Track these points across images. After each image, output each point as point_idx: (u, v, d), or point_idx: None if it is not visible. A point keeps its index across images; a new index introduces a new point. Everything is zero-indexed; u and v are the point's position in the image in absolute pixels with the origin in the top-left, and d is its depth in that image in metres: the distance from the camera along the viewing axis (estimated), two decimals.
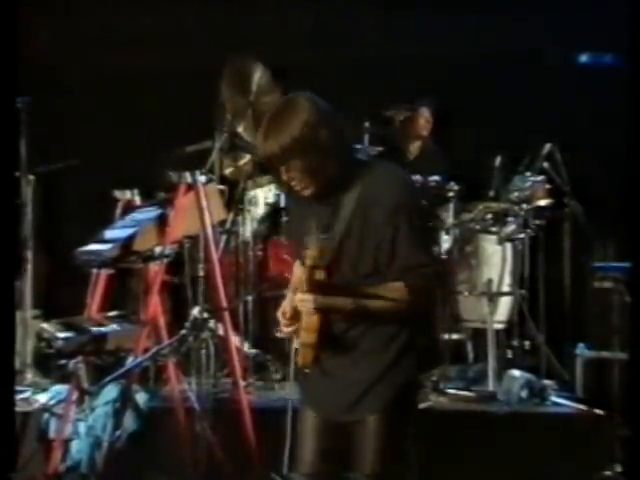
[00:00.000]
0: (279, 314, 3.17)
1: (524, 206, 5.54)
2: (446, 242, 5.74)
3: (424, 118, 6.46)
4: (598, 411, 4.83)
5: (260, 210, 5.94)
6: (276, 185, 3.14)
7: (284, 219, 5.69)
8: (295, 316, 3.09)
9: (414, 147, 6.55)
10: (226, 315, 4.81)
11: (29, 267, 5.76)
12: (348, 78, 6.78)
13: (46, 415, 4.90)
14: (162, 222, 4.72)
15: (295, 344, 3.16)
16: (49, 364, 5.19)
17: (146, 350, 4.67)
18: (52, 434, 4.84)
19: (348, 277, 3.02)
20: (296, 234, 3.20)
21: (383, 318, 3.02)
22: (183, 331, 5.32)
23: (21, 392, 5.19)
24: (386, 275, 3.00)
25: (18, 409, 4.93)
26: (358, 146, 5.87)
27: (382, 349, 3.06)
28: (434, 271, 3.04)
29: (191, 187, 4.76)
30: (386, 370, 3.05)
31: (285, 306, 3.16)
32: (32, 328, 5.54)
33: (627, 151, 3.73)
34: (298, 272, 3.15)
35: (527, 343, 5.69)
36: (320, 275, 2.98)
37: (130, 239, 4.62)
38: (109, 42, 6.89)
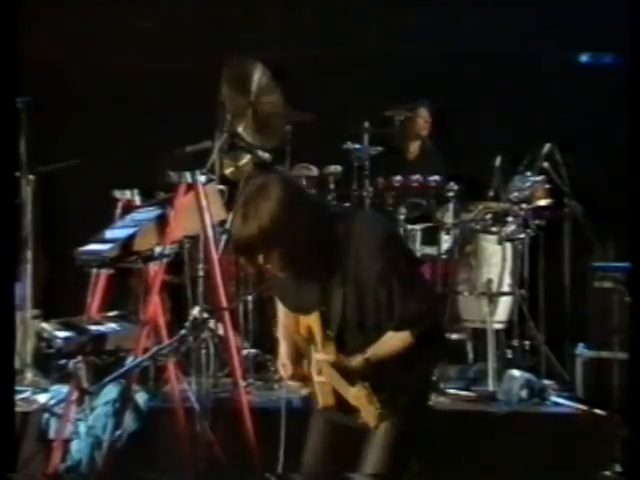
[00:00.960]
0: (280, 365, 3.23)
1: (524, 206, 5.54)
2: (446, 242, 5.76)
3: (423, 118, 6.47)
4: (598, 411, 4.83)
5: None
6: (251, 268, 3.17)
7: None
8: (296, 360, 3.18)
9: (414, 147, 6.56)
10: (226, 315, 4.80)
11: (29, 267, 5.76)
12: (348, 78, 6.79)
13: (46, 415, 4.91)
14: (162, 222, 4.72)
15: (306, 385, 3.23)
16: (49, 364, 5.20)
17: (146, 350, 4.66)
18: (52, 434, 4.84)
19: (356, 338, 3.06)
20: (290, 298, 3.21)
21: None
22: (183, 331, 5.30)
23: (21, 392, 5.19)
24: (388, 326, 3.03)
25: (18, 409, 4.93)
26: (358, 146, 5.88)
27: (394, 360, 3.08)
28: (430, 315, 3.10)
29: (191, 187, 4.76)
30: (398, 376, 3.09)
31: (283, 358, 3.22)
32: (32, 328, 5.55)
33: (627, 151, 3.73)
34: (301, 321, 3.18)
35: (527, 343, 5.70)
36: (330, 346, 3.06)
37: (130, 239, 4.62)
38: (109, 42, 6.90)
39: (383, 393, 3.02)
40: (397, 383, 3.08)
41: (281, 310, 3.31)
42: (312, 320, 3.10)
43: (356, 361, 3.03)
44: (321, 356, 3.06)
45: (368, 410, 2.92)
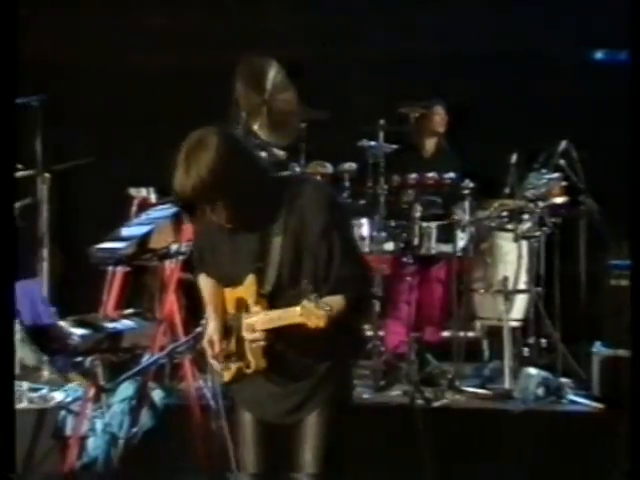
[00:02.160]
0: (205, 343, 3.19)
1: (540, 203, 5.55)
2: (462, 240, 5.76)
3: (439, 115, 6.46)
4: (614, 409, 4.83)
5: None
6: (195, 222, 3.15)
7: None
8: (224, 339, 3.15)
9: (429, 145, 6.55)
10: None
11: (45, 265, 5.81)
12: (363, 75, 6.80)
13: (62, 412, 4.94)
14: (177, 220, 4.73)
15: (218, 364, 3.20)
16: (65, 362, 5.24)
17: (162, 347, 4.69)
18: (68, 431, 4.87)
19: (289, 299, 3.04)
20: (222, 263, 3.19)
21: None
22: (199, 328, 5.35)
23: (37, 390, 5.23)
24: (326, 287, 3.03)
25: (34, 406, 4.98)
26: (373, 144, 5.90)
27: (321, 351, 3.10)
28: (367, 279, 3.17)
29: None
30: (324, 374, 3.11)
31: (212, 334, 3.18)
32: None
33: (627, 152, 3.74)
34: (229, 297, 3.17)
35: (543, 341, 5.69)
36: (263, 304, 3.06)
37: (146, 237, 4.65)
38: (127, 39, 6.92)
39: (307, 383, 3.09)
40: (321, 372, 3.10)
41: (208, 291, 3.27)
42: (245, 284, 3.07)
43: (288, 323, 2.99)
44: (255, 311, 3.04)
45: (318, 315, 2.89)
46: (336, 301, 2.98)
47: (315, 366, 3.12)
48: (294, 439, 3.15)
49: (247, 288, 3.10)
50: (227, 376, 3.21)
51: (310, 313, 2.89)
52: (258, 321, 3.05)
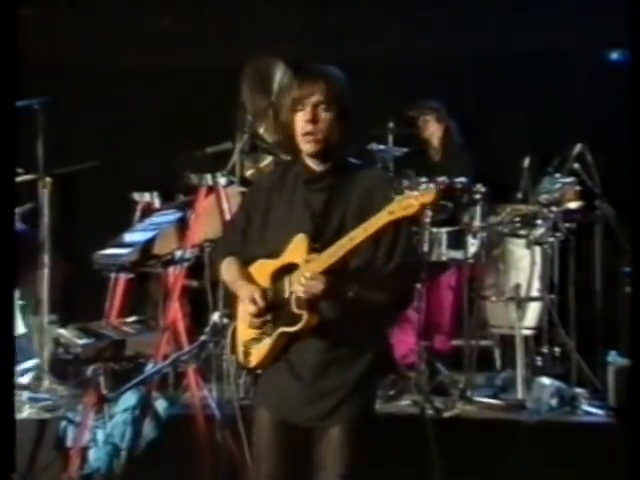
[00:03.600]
0: (248, 301, 3.09)
1: (554, 209, 5.52)
2: (473, 246, 5.73)
3: (427, 122, 6.44)
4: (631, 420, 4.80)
5: None
6: (258, 180, 3.15)
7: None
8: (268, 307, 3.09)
9: (435, 148, 6.54)
10: None
11: (46, 271, 5.79)
12: (372, 77, 6.78)
13: (63, 422, 4.93)
14: (182, 225, 4.75)
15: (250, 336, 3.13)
16: (67, 370, 5.23)
17: (166, 356, 4.69)
18: (69, 442, 4.86)
19: (340, 270, 3.03)
20: (274, 226, 3.17)
21: (372, 313, 3.08)
22: (203, 337, 5.35)
23: (39, 400, 5.21)
24: (378, 269, 3.05)
25: (35, 417, 4.97)
26: (382, 147, 5.88)
27: (355, 357, 3.10)
28: (420, 270, 3.21)
29: (212, 189, 4.79)
30: (359, 379, 3.10)
31: (254, 293, 3.09)
32: (49, 334, 5.58)
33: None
34: (263, 272, 3.13)
35: (557, 350, 5.66)
36: (318, 259, 3.00)
37: (149, 243, 4.66)
38: (128, 42, 6.93)
39: (342, 388, 3.07)
40: (357, 378, 3.09)
41: (235, 272, 3.21)
42: (294, 243, 3.04)
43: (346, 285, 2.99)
44: (309, 267, 2.98)
45: (407, 202, 2.89)
46: (391, 284, 3.03)
47: (352, 370, 3.09)
48: (317, 446, 3.12)
49: (296, 247, 3.04)
50: (254, 360, 3.12)
51: (397, 205, 2.89)
52: (319, 260, 2.98)
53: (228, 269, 3.26)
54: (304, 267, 3.01)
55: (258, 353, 3.13)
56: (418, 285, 3.36)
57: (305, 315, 3.02)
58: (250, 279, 3.17)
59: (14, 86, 3.89)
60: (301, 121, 3.08)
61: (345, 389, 3.09)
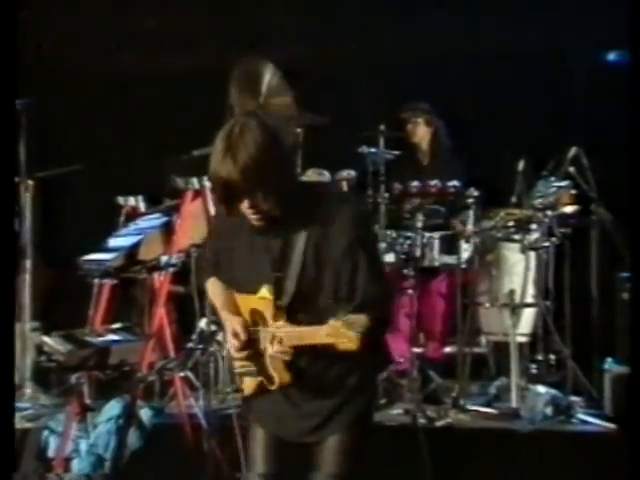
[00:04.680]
0: (230, 334, 3.15)
1: (548, 213, 5.52)
2: (466, 251, 5.73)
3: (415, 125, 6.44)
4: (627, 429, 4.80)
5: None
6: (219, 217, 3.14)
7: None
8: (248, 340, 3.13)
9: (425, 152, 6.53)
10: None
11: (28, 277, 5.76)
12: (363, 79, 6.79)
13: (45, 432, 4.90)
14: (168, 230, 4.73)
15: (240, 369, 3.19)
16: (49, 379, 5.20)
17: (151, 364, 4.67)
18: (52, 452, 4.83)
19: (308, 313, 3.04)
20: (239, 268, 3.18)
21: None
22: (190, 344, 5.33)
23: (20, 409, 5.18)
24: (345, 308, 3.00)
25: (17, 426, 4.93)
26: (373, 150, 5.88)
27: (345, 375, 3.11)
28: (389, 303, 3.20)
29: (198, 193, 4.77)
30: (348, 395, 3.12)
31: (235, 327, 3.14)
32: (31, 341, 5.55)
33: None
34: (242, 305, 3.16)
35: (552, 357, 5.67)
36: (283, 317, 3.05)
37: (134, 248, 4.64)
38: (113, 43, 6.91)
39: (330, 402, 3.09)
40: (345, 391, 3.10)
41: (220, 296, 3.25)
42: (260, 295, 3.07)
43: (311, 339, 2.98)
44: (279, 324, 3.02)
45: (348, 337, 2.86)
46: (361, 321, 2.95)
47: (339, 384, 3.11)
48: (312, 452, 3.15)
49: (262, 299, 3.08)
50: (247, 390, 3.19)
51: (338, 334, 2.87)
52: (285, 336, 3.02)
53: (213, 292, 3.30)
54: (274, 331, 3.04)
55: (247, 386, 3.20)
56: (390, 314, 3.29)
57: (276, 378, 3.09)
58: (233, 308, 3.20)
59: (14, 85, 3.88)
60: (242, 206, 3.01)
61: (332, 405, 3.11)
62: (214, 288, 3.29)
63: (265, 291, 3.06)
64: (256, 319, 3.13)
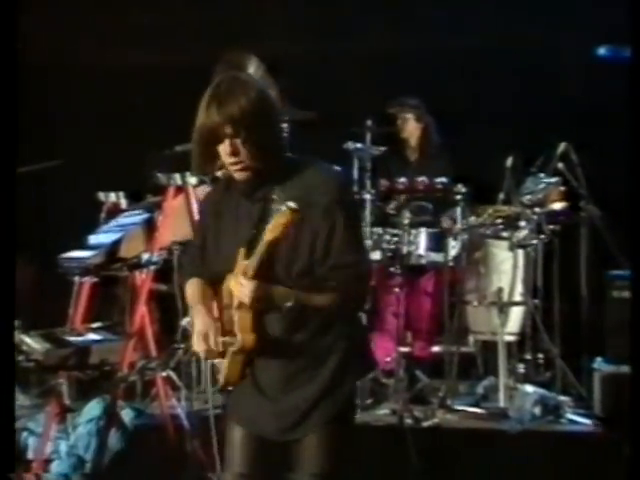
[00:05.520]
0: (197, 337, 3.11)
1: (537, 210, 5.53)
2: (454, 248, 5.74)
3: (405, 120, 6.45)
4: (617, 429, 4.81)
5: None
6: (205, 166, 3.15)
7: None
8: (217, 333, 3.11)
9: (413, 148, 6.54)
10: None
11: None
12: (350, 74, 6.78)
13: (24, 434, 4.89)
14: (150, 227, 4.71)
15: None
16: (28, 379, 5.18)
17: (132, 364, 4.65)
18: (31, 454, 4.82)
19: (281, 277, 3.04)
20: (225, 241, 3.18)
21: (317, 319, 3.06)
22: (172, 344, 5.32)
23: None
24: (320, 270, 3.03)
25: None
26: (359, 146, 5.87)
27: (318, 366, 3.10)
28: (365, 269, 3.15)
29: (181, 189, 4.75)
30: (325, 389, 3.10)
31: (206, 328, 3.12)
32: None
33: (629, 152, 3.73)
34: (225, 290, 3.14)
35: (541, 356, 5.70)
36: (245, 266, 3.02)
37: (115, 245, 4.62)
38: (93, 39, 6.89)
39: (306, 399, 3.07)
40: (322, 387, 3.09)
41: (197, 293, 3.24)
42: (239, 259, 3.05)
43: (280, 293, 2.99)
44: (242, 281, 3.00)
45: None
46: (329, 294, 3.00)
47: (316, 380, 3.09)
48: (289, 458, 3.14)
49: (239, 262, 3.05)
50: (222, 375, 3.14)
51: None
52: (244, 270, 3.01)
53: (192, 290, 3.28)
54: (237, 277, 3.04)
55: (222, 372, 3.16)
56: (364, 293, 3.27)
57: (239, 336, 3.04)
58: (208, 303, 3.18)
59: (13, 85, 3.88)
60: (222, 153, 3.04)
61: (310, 400, 3.09)
62: (193, 287, 3.27)
63: (242, 252, 3.05)
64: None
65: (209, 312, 3.15)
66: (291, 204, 2.87)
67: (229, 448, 3.23)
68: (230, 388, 3.18)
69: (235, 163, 3.04)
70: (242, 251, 3.05)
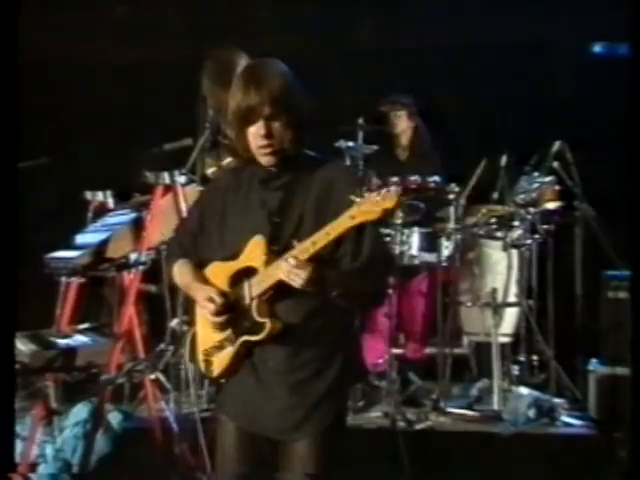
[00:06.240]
0: (204, 302, 3.10)
1: (531, 209, 5.54)
2: (447, 248, 5.73)
3: (397, 117, 6.45)
4: (613, 432, 4.82)
5: None
6: (236, 149, 3.16)
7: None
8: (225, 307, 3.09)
9: (404, 146, 6.53)
10: None
11: None
12: (341, 71, 6.78)
13: None
14: (137, 226, 4.70)
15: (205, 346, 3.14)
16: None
17: (120, 366, 4.64)
18: (17, 458, 4.79)
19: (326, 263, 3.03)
20: (229, 227, 3.17)
21: (337, 315, 3.08)
22: (161, 345, 5.30)
23: None
24: (346, 266, 3.03)
25: None
26: (351, 144, 5.87)
27: (322, 363, 3.09)
28: (392, 260, 3.31)
29: (169, 188, 4.74)
30: (328, 386, 3.10)
31: (210, 293, 3.10)
32: None
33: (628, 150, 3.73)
34: (220, 275, 3.12)
35: (535, 358, 5.70)
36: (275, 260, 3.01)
37: (103, 245, 4.61)
38: (79, 36, 6.87)
39: (308, 399, 3.06)
40: (323, 389, 3.08)
41: (189, 275, 3.21)
42: (251, 245, 3.05)
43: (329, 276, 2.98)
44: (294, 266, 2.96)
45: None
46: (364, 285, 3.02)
47: (320, 377, 3.09)
48: (283, 458, 3.13)
49: (253, 250, 3.04)
50: (216, 369, 3.12)
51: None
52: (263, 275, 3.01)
53: (181, 272, 3.25)
54: (262, 271, 3.02)
55: (220, 362, 3.13)
56: (389, 288, 3.31)
57: (268, 323, 3.03)
58: (205, 282, 3.16)
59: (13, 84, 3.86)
60: (254, 135, 3.06)
61: (314, 398, 3.08)
62: (183, 267, 3.24)
63: (258, 238, 3.04)
64: (241, 278, 3.07)
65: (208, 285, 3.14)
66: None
67: (220, 444, 3.22)
68: (222, 381, 3.16)
69: (266, 146, 3.05)
70: (261, 242, 3.03)
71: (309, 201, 3.07)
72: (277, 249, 3.02)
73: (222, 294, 3.09)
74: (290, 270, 2.94)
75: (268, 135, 3.04)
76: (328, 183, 3.07)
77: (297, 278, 2.94)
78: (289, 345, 3.06)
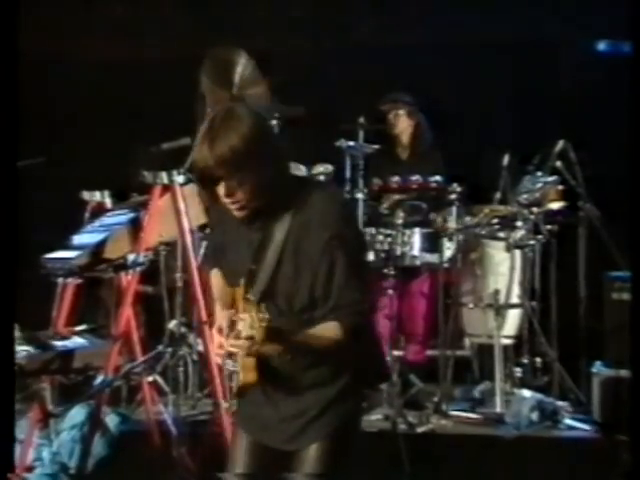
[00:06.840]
0: (215, 331, 3.10)
1: (534, 209, 5.54)
2: (449, 249, 5.73)
3: (397, 116, 6.45)
4: (617, 435, 4.81)
5: None
6: (208, 202, 3.14)
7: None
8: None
9: (404, 145, 6.53)
10: (206, 329, 4.77)
11: None
12: (342, 70, 6.78)
13: None
14: (135, 227, 4.69)
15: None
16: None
17: (117, 368, 4.64)
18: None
19: (283, 311, 3.02)
20: (229, 260, 3.18)
21: (320, 354, 3.02)
22: (159, 347, 5.30)
23: None
24: (322, 309, 3.00)
25: None
26: (352, 144, 5.87)
27: (328, 380, 3.08)
28: (367, 307, 3.08)
29: (167, 188, 4.73)
30: (332, 401, 3.09)
31: (220, 322, 3.11)
32: None
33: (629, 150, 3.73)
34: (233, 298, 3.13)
35: (538, 360, 5.69)
36: (251, 310, 2.93)
37: (100, 245, 4.59)
38: (76, 34, 6.88)
39: (311, 409, 3.06)
40: (327, 399, 3.07)
41: (218, 288, 3.26)
42: (239, 287, 3.03)
43: (276, 344, 2.94)
44: (233, 342, 2.93)
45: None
46: (330, 328, 2.95)
47: (324, 391, 3.08)
48: (290, 468, 3.13)
49: (238, 292, 3.03)
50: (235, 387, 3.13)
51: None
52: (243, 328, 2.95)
53: (213, 283, 3.29)
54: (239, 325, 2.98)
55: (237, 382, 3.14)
56: (366, 318, 3.23)
57: (240, 375, 3.01)
58: (227, 300, 3.15)
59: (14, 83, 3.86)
60: (219, 192, 3.00)
61: (315, 410, 3.07)
62: (214, 279, 3.29)
63: (242, 283, 3.02)
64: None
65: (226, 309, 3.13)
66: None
67: (234, 454, 3.22)
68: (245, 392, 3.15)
69: (231, 203, 3.00)
70: (240, 292, 3.00)
71: (288, 242, 3.00)
72: (250, 299, 2.95)
73: (232, 325, 3.03)
74: (232, 345, 2.93)
75: (229, 195, 2.97)
76: (307, 221, 2.99)
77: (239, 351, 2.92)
78: (294, 365, 3.05)
